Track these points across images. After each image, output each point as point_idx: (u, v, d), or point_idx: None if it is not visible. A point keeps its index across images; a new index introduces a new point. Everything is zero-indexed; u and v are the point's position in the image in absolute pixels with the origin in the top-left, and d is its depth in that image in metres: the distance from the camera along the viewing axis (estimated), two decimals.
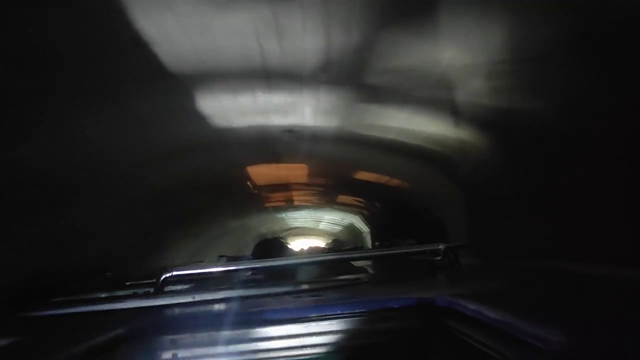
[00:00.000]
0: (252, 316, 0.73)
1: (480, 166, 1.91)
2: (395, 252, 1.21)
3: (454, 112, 1.66)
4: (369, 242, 4.55)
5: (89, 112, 1.59)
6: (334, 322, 0.72)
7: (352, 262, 1.67)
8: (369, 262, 1.73)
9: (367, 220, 4.65)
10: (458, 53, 1.29)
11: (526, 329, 0.50)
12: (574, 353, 0.44)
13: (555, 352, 0.45)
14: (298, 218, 5.32)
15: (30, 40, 1.12)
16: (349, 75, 1.59)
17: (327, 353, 0.70)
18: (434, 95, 1.61)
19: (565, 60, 1.10)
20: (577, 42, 1.04)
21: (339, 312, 0.73)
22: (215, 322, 0.73)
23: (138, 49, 1.26)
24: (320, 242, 5.78)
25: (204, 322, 0.73)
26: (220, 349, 0.70)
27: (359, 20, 1.20)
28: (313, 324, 0.72)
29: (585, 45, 1.03)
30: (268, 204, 4.31)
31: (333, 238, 6.33)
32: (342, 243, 5.73)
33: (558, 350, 0.44)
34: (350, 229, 5.42)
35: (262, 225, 5.20)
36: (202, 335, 0.71)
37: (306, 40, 1.34)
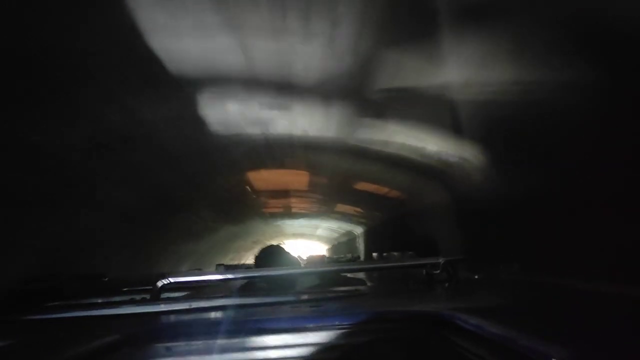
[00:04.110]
0: (248, 325, 0.72)
1: (478, 182, 1.91)
2: (395, 265, 1.20)
3: (455, 128, 1.66)
4: (366, 252, 4.53)
5: (93, 118, 1.60)
6: (331, 332, 0.71)
7: (352, 274, 1.65)
8: (365, 275, 1.72)
9: (365, 231, 4.64)
10: (460, 71, 1.31)
11: (527, 345, 0.50)
12: None
13: None
14: (296, 225, 5.32)
15: (45, 46, 1.14)
16: (353, 90, 1.60)
17: None
18: (435, 111, 1.62)
19: (567, 76, 1.11)
20: (580, 62, 1.05)
21: (337, 323, 0.71)
22: (210, 330, 0.71)
23: (146, 58, 1.27)
24: (318, 250, 5.75)
25: (200, 330, 0.72)
26: (215, 357, 0.69)
27: (363, 37, 1.22)
28: (310, 334, 0.71)
29: (585, 61, 1.04)
30: (267, 211, 4.30)
31: (330, 246, 6.31)
32: (339, 252, 5.72)
33: None
34: (347, 238, 5.41)
35: (262, 232, 5.18)
36: (197, 344, 0.70)
37: (311, 55, 1.35)
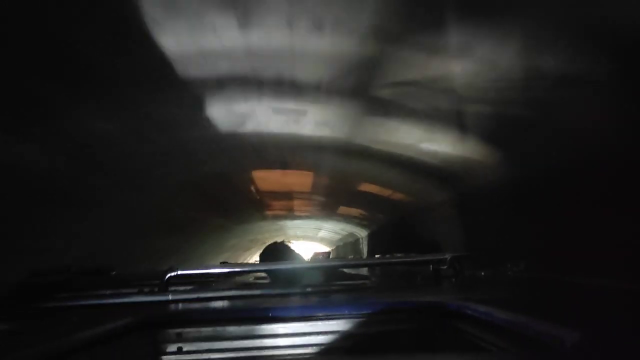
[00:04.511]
0: (258, 313, 0.73)
1: (484, 181, 1.90)
2: (402, 260, 1.20)
3: (461, 127, 1.67)
4: (370, 255, 4.52)
5: (98, 116, 1.61)
6: (341, 321, 0.71)
7: (355, 272, 1.66)
8: (368, 274, 1.72)
9: (368, 233, 4.62)
10: (467, 69, 1.31)
11: (540, 329, 0.50)
12: (588, 352, 0.44)
13: (570, 350, 0.44)
14: (298, 227, 5.30)
15: (50, 42, 1.15)
16: (358, 87, 1.60)
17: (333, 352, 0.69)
18: (441, 111, 1.62)
19: (576, 79, 1.12)
20: (588, 61, 1.06)
21: (346, 312, 0.72)
22: (220, 317, 0.72)
23: (150, 53, 1.28)
24: (322, 251, 5.74)
25: (210, 318, 0.72)
26: (226, 344, 0.70)
27: (369, 32, 1.22)
28: (320, 322, 0.71)
29: (596, 64, 1.04)
30: (270, 212, 4.29)
31: (332, 247, 6.29)
32: (342, 253, 5.69)
33: (573, 348, 0.44)
34: (350, 240, 5.39)
35: (264, 232, 5.16)
36: (208, 330, 0.70)
37: (316, 51, 1.36)
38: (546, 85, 1.19)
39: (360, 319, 0.71)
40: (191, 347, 0.69)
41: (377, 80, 1.50)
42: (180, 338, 0.69)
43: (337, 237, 5.47)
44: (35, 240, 1.67)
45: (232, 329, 0.70)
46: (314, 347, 0.70)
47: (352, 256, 4.61)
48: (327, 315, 0.71)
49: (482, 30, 1.12)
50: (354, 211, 4.06)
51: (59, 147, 1.66)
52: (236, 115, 1.89)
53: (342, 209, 4.15)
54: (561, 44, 1.07)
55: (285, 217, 4.55)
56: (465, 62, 1.28)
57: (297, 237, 5.88)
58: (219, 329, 0.70)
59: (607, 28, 0.96)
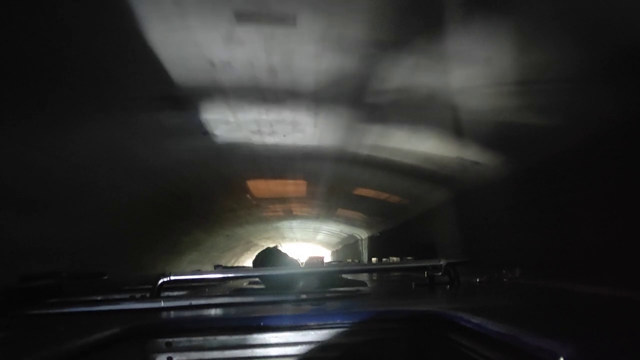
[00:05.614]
0: (249, 322, 0.72)
1: (481, 187, 1.90)
2: (396, 266, 1.19)
3: (457, 132, 1.66)
4: (366, 258, 4.52)
5: (93, 122, 1.61)
6: (333, 331, 0.70)
7: (351, 277, 1.65)
8: (366, 278, 1.71)
9: (367, 235, 4.61)
10: (463, 73, 1.31)
11: (532, 343, 0.49)
12: None
13: None
14: (295, 232, 5.29)
15: (37, 48, 1.14)
16: (353, 94, 1.60)
17: None
18: (437, 116, 1.62)
19: (573, 82, 1.12)
20: (584, 65, 1.05)
21: (338, 321, 0.71)
22: (211, 326, 0.71)
23: (146, 62, 1.27)
24: (317, 256, 5.75)
25: (200, 326, 0.71)
26: (216, 354, 0.69)
27: (364, 38, 1.22)
28: (312, 332, 0.70)
29: (593, 67, 1.04)
30: (267, 217, 4.27)
31: (330, 252, 6.27)
32: (341, 255, 5.67)
33: None
34: (350, 242, 5.38)
35: (261, 238, 5.12)
36: (198, 339, 0.69)
37: (311, 58, 1.35)
38: (543, 88, 1.19)
39: (353, 328, 0.70)
40: (181, 357, 0.68)
41: (376, 87, 1.49)
42: (170, 348, 0.68)
43: (336, 240, 5.48)
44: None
45: (223, 339, 0.69)
46: (306, 358, 0.69)
47: (350, 259, 4.59)
48: (320, 325, 0.71)
49: (479, 35, 1.11)
50: (352, 214, 4.07)
51: (63, 157, 1.65)
52: (234, 125, 1.89)
53: (341, 212, 4.15)
54: (555, 50, 1.06)
55: (283, 219, 4.55)
56: (461, 66, 1.27)
57: (295, 240, 5.87)
58: (210, 338, 0.69)
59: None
